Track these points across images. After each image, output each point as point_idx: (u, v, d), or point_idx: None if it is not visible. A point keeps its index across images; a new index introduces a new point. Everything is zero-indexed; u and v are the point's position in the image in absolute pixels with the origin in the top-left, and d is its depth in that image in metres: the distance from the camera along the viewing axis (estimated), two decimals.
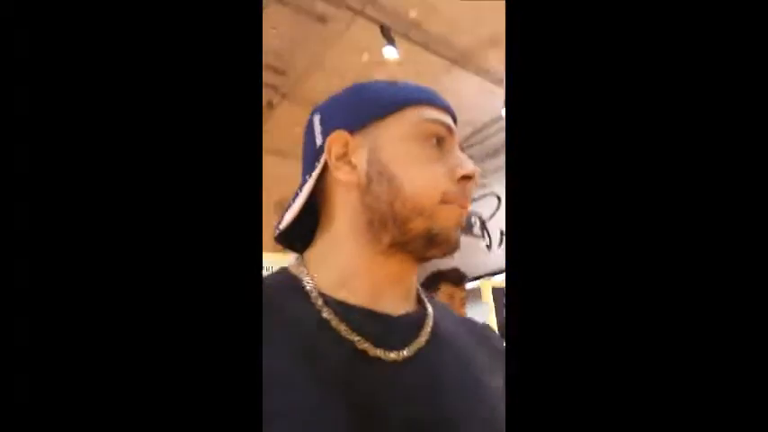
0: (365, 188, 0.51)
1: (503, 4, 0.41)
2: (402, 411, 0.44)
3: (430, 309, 0.56)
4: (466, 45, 3.42)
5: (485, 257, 3.69)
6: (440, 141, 0.52)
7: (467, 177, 0.51)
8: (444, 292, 2.03)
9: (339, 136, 0.52)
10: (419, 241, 0.50)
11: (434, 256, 0.52)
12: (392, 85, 0.55)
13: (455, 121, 0.55)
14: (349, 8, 2.95)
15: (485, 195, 4.10)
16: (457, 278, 2.07)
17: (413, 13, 3.13)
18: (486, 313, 4.16)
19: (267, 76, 3.62)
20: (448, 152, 0.53)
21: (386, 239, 0.50)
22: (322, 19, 3.16)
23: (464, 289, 2.10)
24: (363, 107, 0.53)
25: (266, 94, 3.80)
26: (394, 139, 0.51)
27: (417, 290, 0.57)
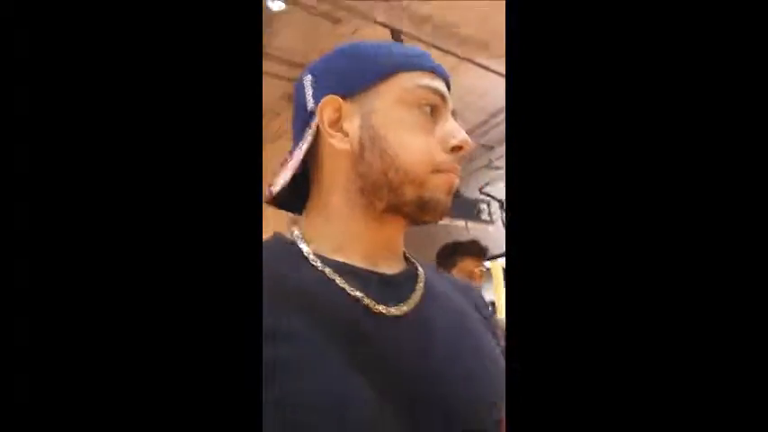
0: (358, 156, 0.48)
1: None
2: (407, 363, 0.43)
3: (420, 267, 0.54)
4: (477, 37, 3.33)
5: (495, 238, 3.63)
6: (434, 109, 0.49)
7: (458, 147, 0.48)
8: (463, 267, 1.72)
9: (332, 101, 0.48)
10: (411, 206, 0.48)
11: (428, 221, 0.50)
12: (387, 48, 0.50)
13: (449, 87, 0.51)
14: (359, 13, 2.88)
15: (500, 178, 4.00)
16: (477, 251, 1.78)
17: (423, 9, 3.05)
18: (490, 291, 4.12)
19: (285, 71, 3.57)
20: (441, 120, 0.49)
21: (380, 206, 0.48)
22: (335, 20, 3.11)
23: (483, 262, 1.80)
24: (357, 72, 0.49)
25: (285, 87, 3.75)
26: (387, 106, 0.47)
27: (404, 250, 0.55)
